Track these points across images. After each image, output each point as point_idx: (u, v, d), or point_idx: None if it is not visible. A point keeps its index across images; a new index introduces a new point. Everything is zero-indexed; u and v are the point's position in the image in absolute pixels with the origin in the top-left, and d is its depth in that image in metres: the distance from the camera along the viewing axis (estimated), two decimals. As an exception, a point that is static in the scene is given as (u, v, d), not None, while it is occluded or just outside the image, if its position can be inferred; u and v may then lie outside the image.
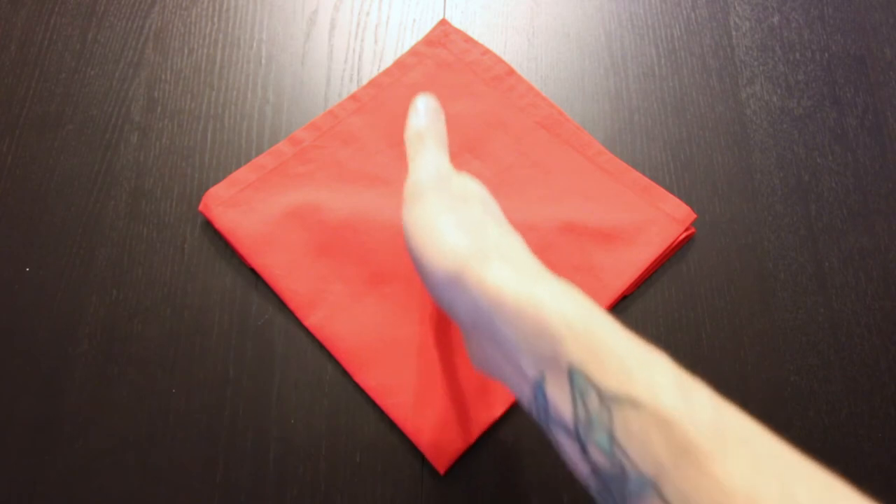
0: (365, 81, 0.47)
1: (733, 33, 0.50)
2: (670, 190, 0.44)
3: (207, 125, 0.46)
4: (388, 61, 0.48)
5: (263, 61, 0.48)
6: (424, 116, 0.31)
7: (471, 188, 0.28)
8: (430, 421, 0.38)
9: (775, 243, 0.43)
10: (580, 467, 0.21)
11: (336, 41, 0.49)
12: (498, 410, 0.38)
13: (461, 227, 0.25)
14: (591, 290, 0.40)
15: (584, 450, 0.20)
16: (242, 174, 0.43)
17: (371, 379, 0.39)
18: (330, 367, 0.40)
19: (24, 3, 0.49)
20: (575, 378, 0.20)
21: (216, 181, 0.43)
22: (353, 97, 0.46)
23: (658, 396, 0.19)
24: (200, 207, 0.42)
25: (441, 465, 0.37)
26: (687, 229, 0.43)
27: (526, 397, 0.23)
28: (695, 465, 0.18)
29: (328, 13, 0.50)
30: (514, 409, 0.39)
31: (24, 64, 0.47)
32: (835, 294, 0.42)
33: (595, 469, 0.20)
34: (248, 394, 0.39)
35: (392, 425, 0.38)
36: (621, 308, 0.41)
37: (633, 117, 0.47)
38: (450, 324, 0.40)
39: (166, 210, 0.43)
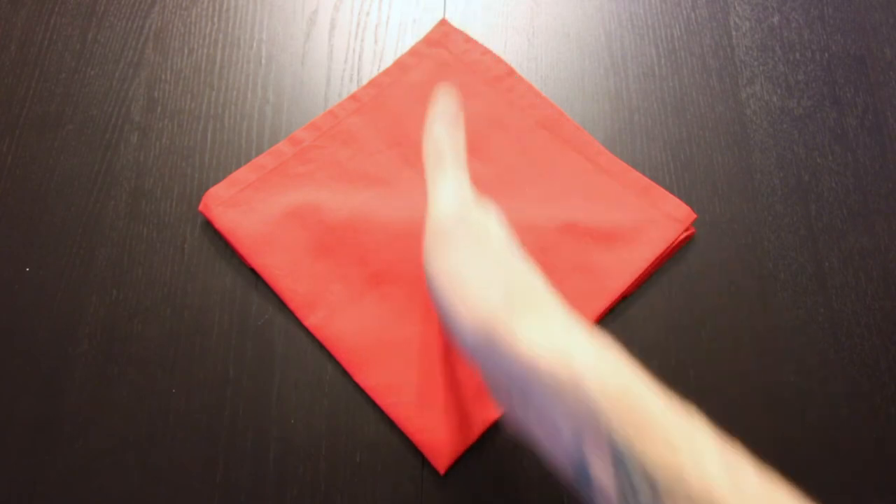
0: (365, 81, 0.47)
1: (733, 33, 0.50)
2: (670, 190, 0.44)
3: (207, 125, 0.46)
4: (388, 61, 0.48)
5: (263, 61, 0.48)
6: (444, 129, 0.30)
7: (491, 228, 0.28)
8: (430, 421, 0.38)
9: (775, 243, 0.43)
10: None
11: (336, 41, 0.49)
12: (498, 410, 0.38)
13: (486, 276, 0.25)
14: (590, 291, 0.40)
15: None
16: (242, 174, 0.43)
17: (371, 379, 0.39)
18: (330, 367, 0.40)
19: (24, 3, 0.49)
20: (618, 454, 0.20)
21: (216, 181, 0.43)
22: (353, 97, 0.46)
23: (704, 477, 0.19)
24: (200, 207, 0.42)
25: (441, 465, 0.37)
26: (687, 229, 0.43)
27: (561, 460, 0.23)
28: None
29: (328, 13, 0.50)
30: (514, 409, 0.39)
31: (24, 64, 0.47)
32: (835, 294, 0.42)
33: None
34: (248, 394, 0.39)
35: (392, 425, 0.38)
36: (621, 308, 0.41)
37: (633, 117, 0.47)
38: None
39: (166, 210, 0.43)
